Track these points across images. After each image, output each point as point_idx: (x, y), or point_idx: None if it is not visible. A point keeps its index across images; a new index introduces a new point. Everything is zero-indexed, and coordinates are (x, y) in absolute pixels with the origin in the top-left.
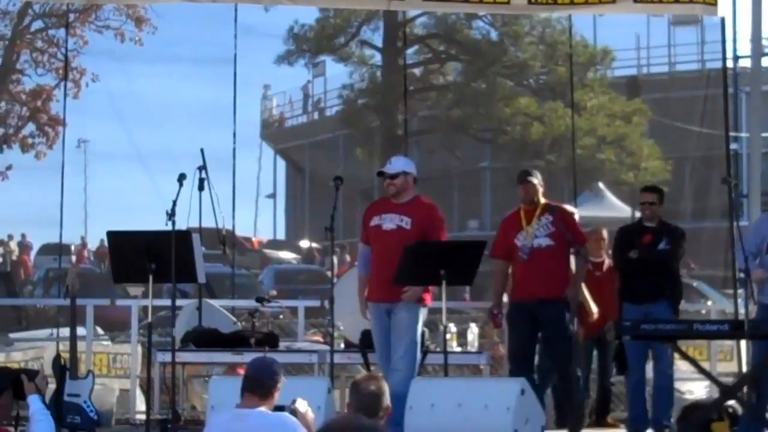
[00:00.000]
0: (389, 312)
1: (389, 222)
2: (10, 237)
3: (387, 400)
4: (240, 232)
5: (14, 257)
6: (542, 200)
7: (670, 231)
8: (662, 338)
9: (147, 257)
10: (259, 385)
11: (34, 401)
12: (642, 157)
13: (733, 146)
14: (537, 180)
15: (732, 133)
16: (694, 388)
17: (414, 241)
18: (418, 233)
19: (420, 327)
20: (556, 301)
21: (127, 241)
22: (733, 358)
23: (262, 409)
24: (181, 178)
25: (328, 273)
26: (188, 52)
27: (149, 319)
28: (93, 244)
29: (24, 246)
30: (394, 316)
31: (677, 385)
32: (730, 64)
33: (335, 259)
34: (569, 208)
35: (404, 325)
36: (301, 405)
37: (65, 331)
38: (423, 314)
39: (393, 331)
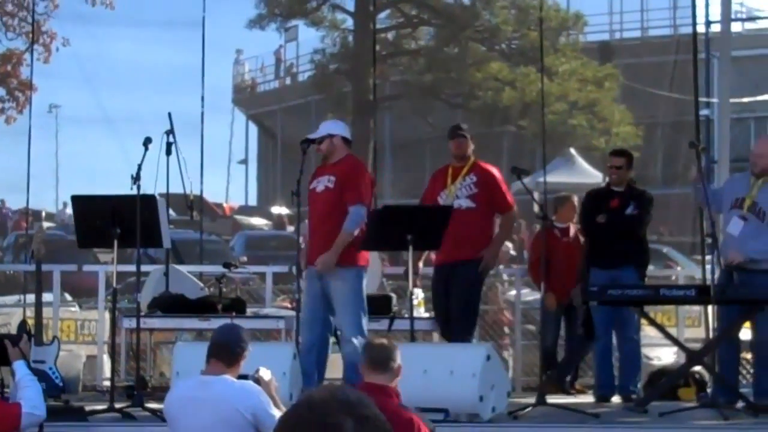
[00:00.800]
0: (321, 276)
1: (321, 184)
2: None
3: (399, 358)
4: (212, 198)
5: None
6: (472, 158)
7: (637, 196)
8: (629, 303)
9: (112, 222)
10: (225, 352)
11: (20, 367)
12: (613, 122)
13: (705, 112)
14: (469, 136)
15: (704, 99)
16: (662, 354)
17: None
18: (339, 191)
19: (362, 290)
20: (469, 263)
21: (91, 205)
22: (702, 323)
23: (227, 376)
24: (147, 142)
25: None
26: (159, 15)
27: (114, 285)
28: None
29: (27, 213)
30: (328, 284)
31: (645, 351)
32: (702, 29)
33: (307, 224)
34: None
35: (343, 293)
36: (265, 374)
37: (33, 297)
38: (361, 276)
39: (333, 300)
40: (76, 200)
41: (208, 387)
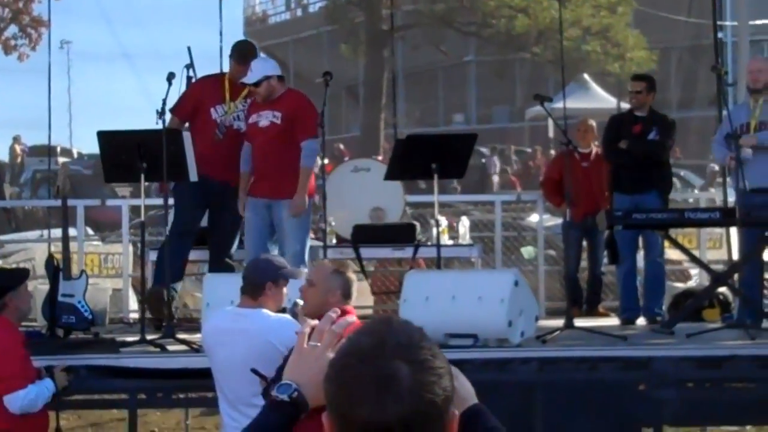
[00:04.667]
0: (269, 207)
1: (264, 119)
2: (15, 139)
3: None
4: None
5: (19, 160)
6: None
7: (660, 121)
8: (654, 227)
9: (138, 156)
10: (251, 286)
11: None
12: (627, 47)
13: (718, 35)
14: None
15: (720, 22)
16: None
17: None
18: (288, 125)
19: (308, 220)
20: (227, 183)
21: (117, 140)
22: (722, 245)
23: (264, 310)
24: (170, 77)
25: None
26: None
27: (143, 218)
28: (80, 147)
29: (49, 149)
30: (276, 213)
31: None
32: None
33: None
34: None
35: (290, 223)
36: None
37: (56, 232)
38: (309, 206)
39: (278, 229)
40: (102, 135)
41: (243, 319)
